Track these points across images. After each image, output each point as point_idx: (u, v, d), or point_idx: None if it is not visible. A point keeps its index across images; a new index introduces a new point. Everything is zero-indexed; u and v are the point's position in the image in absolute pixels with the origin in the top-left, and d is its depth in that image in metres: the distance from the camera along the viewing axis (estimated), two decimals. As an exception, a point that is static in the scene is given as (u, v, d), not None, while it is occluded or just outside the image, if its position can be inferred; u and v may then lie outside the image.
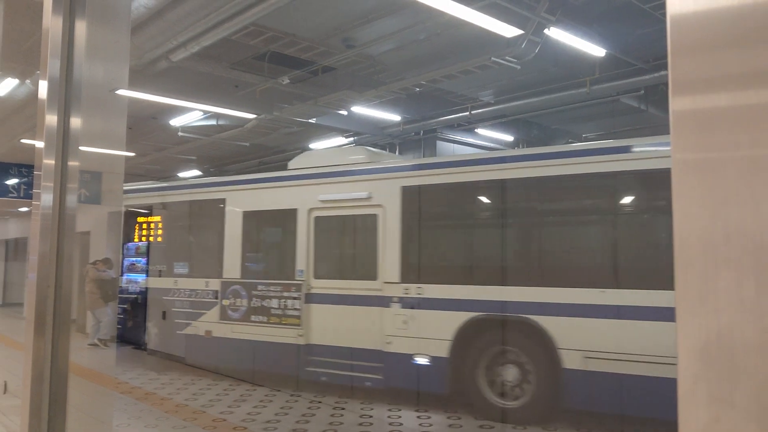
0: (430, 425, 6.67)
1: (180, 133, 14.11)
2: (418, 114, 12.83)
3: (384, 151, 10.64)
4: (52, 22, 1.38)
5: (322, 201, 8.42)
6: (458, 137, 14.47)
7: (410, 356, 7.26)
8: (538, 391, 6.53)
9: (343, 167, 8.56)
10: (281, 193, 8.99)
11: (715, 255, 0.58)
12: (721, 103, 0.58)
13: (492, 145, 15.14)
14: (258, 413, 7.03)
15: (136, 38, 7.46)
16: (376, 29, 8.56)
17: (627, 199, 6.64)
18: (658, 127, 13.51)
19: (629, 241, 6.50)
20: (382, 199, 7.81)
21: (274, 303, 8.59)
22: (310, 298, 8.30)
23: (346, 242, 8.69)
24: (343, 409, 7.30)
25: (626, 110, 11.76)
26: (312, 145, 15.96)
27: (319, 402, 7.62)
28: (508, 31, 7.06)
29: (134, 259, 13.35)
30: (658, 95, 11.43)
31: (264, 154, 17.72)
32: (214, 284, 9.33)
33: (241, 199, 9.42)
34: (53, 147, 1.36)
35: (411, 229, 7.65)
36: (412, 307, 7.33)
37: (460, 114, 12.14)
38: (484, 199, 7.67)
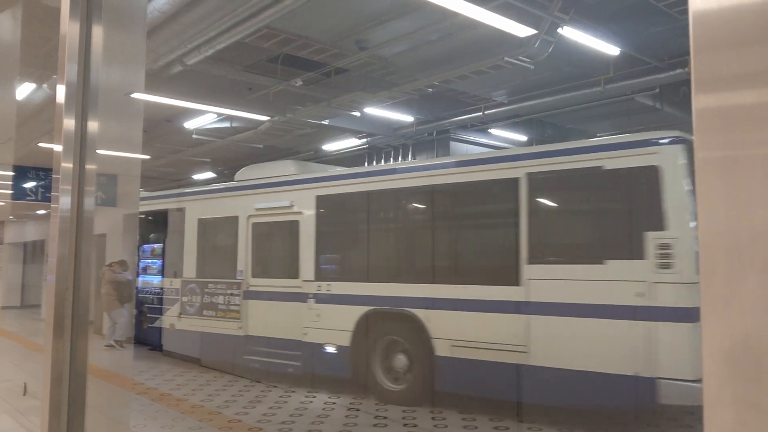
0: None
1: (194, 136, 14.20)
2: (431, 114, 12.81)
3: (315, 164, 11.86)
4: (69, 28, 1.39)
5: (257, 209, 9.65)
6: (471, 137, 14.43)
7: (322, 345, 8.31)
8: (418, 375, 7.44)
9: (273, 179, 9.80)
10: (227, 202, 10.30)
11: (741, 257, 0.57)
12: (745, 100, 0.57)
13: (506, 145, 15.08)
14: (273, 414, 7.05)
15: (150, 42, 7.52)
16: (389, 31, 8.56)
17: (481, 209, 7.69)
18: (674, 125, 13.39)
19: (483, 243, 7.61)
20: (302, 207, 8.97)
21: (221, 299, 9.86)
22: (248, 295, 9.47)
23: (276, 245, 9.80)
24: (357, 410, 7.30)
25: (641, 109, 11.67)
26: (325, 147, 16.00)
27: (334, 403, 7.63)
28: (521, 30, 7.03)
29: (149, 261, 13.46)
30: (673, 94, 11.33)
31: (277, 155, 17.79)
32: (177, 283, 10.86)
33: (197, 208, 10.95)
34: (71, 150, 1.38)
35: (322, 233, 8.72)
36: (323, 303, 8.41)
37: (474, 114, 12.11)
38: (377, 208, 8.63)
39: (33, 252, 23.77)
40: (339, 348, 8.11)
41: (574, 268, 6.36)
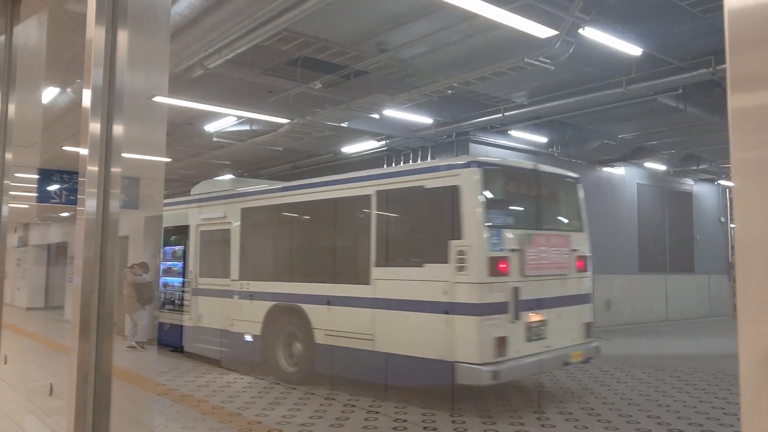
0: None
1: (215, 139, 14.33)
2: (451, 116, 12.78)
3: (251, 179, 13.63)
4: (95, 33, 1.41)
5: (202, 219, 11.36)
6: (491, 139, 14.37)
7: (242, 335, 9.87)
8: (306, 360, 8.86)
9: (215, 194, 11.41)
10: (184, 213, 11.90)
11: (778, 259, 0.55)
12: (783, 100, 0.56)
13: (526, 147, 15.00)
14: (293, 416, 7.07)
15: (172, 46, 7.60)
16: (409, 32, 8.56)
17: (348, 220, 8.99)
18: (697, 126, 13.21)
19: (349, 249, 8.91)
20: (231, 218, 10.58)
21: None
22: (196, 292, 11.24)
23: (216, 250, 11.17)
24: (377, 412, 7.29)
25: (664, 110, 11.53)
26: (344, 149, 16.03)
27: (353, 405, 7.63)
28: (542, 31, 6.98)
29: (171, 262, 13.58)
30: (696, 94, 11.18)
31: (297, 158, 17.87)
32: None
33: (166, 217, 12.81)
34: (97, 154, 1.39)
35: (244, 239, 10.30)
36: (243, 299, 10.00)
37: (493, 116, 12.07)
38: (277, 219, 10.12)
39: (56, 254, 24.12)
40: (254, 336, 9.69)
41: (404, 270, 7.67)
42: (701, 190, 21.23)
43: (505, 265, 7.16)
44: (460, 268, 7.01)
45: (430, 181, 7.58)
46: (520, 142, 14.76)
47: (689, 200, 20.81)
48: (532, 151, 15.28)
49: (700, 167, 17.87)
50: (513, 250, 7.31)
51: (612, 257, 17.26)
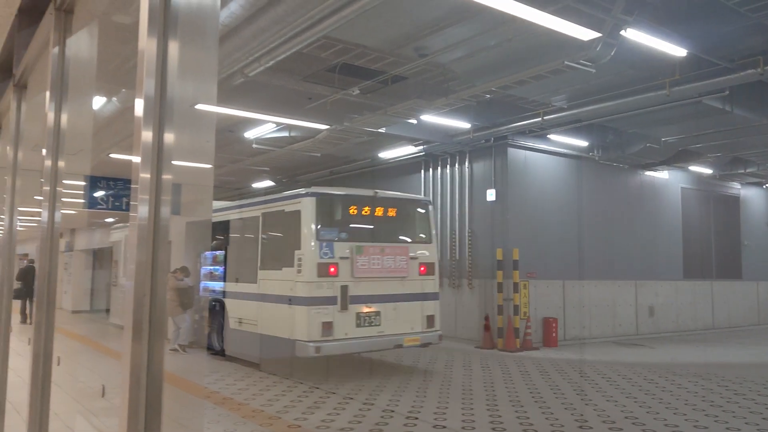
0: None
1: (254, 145, 14.54)
2: (489, 121, 12.70)
3: (223, 202, 15.98)
4: (147, 44, 1.45)
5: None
6: (530, 143, 14.22)
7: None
8: (225, 340, 11.63)
9: None
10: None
11: None
12: None
13: (565, 151, 14.80)
14: (332, 420, 7.10)
15: (214, 55, 7.75)
16: (447, 37, 8.54)
17: (248, 235, 11.43)
18: (744, 128, 12.82)
19: (248, 256, 11.13)
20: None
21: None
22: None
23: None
24: (416, 418, 7.27)
25: (709, 112, 11.22)
26: (381, 154, 16.07)
27: (392, 411, 7.62)
28: (583, 34, 6.89)
29: (211, 267, 13.82)
30: (744, 95, 10.87)
31: (334, 164, 18.00)
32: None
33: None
34: (149, 161, 1.43)
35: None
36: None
37: (532, 120, 11.94)
38: (215, 232, 12.70)
39: (101, 258, 24.77)
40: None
41: (273, 272, 10.30)
42: (749, 194, 20.59)
43: (334, 269, 9.53)
44: (299, 271, 9.52)
45: (288, 206, 10.23)
46: (559, 146, 14.57)
47: (736, 204, 20.20)
48: (572, 155, 15.07)
49: (747, 170, 17.33)
50: (343, 258, 9.62)
51: (655, 263, 16.86)
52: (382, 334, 9.81)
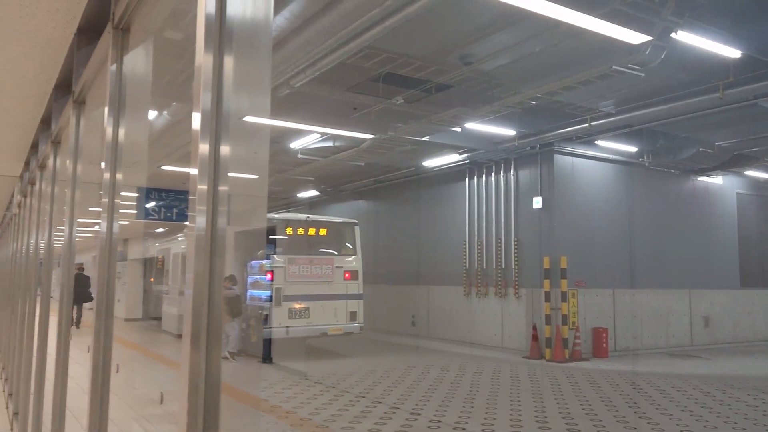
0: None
1: (299, 155, 14.73)
2: (534, 128, 12.56)
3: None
4: (204, 59, 1.49)
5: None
6: (577, 150, 13.99)
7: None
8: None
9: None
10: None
11: None
12: None
13: (614, 157, 14.49)
14: (378, 430, 7.09)
15: (261, 68, 7.90)
16: (491, 44, 8.50)
17: None
18: (804, 131, 12.30)
19: None
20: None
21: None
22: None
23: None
24: (464, 429, 7.20)
25: (766, 114, 10.82)
26: (425, 163, 16.06)
27: (439, 421, 7.57)
28: (633, 37, 6.75)
29: (257, 276, 14.03)
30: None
31: (378, 173, 18.08)
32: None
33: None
34: (206, 173, 1.46)
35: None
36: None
37: (579, 126, 11.75)
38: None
39: (151, 268, 25.43)
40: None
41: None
42: (809, 199, 19.72)
43: (270, 275, 12.36)
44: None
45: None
46: (607, 152, 14.29)
47: (796, 210, 19.38)
48: (621, 161, 14.75)
49: (807, 174, 16.62)
50: (278, 267, 12.35)
51: (710, 271, 16.30)
52: (310, 324, 12.63)
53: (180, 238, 18.40)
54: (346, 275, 13.34)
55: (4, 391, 8.61)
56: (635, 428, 7.33)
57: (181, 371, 1.45)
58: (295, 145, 14.06)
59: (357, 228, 14.09)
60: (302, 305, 12.56)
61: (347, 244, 13.99)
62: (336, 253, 13.70)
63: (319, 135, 13.17)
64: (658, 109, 10.38)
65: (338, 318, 13.03)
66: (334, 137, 13.60)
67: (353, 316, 13.31)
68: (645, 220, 15.08)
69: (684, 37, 7.35)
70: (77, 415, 4.16)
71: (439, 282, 16.83)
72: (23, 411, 5.84)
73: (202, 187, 1.45)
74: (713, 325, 16.11)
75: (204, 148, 1.47)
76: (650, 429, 7.28)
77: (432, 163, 16.01)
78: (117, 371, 2.72)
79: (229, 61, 1.50)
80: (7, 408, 7.54)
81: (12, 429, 6.50)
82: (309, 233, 13.23)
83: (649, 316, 14.87)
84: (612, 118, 11.15)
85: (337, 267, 13.27)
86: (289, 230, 13.11)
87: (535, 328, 13.41)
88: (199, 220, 1.45)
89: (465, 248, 15.94)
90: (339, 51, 7.76)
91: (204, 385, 1.42)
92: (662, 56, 7.87)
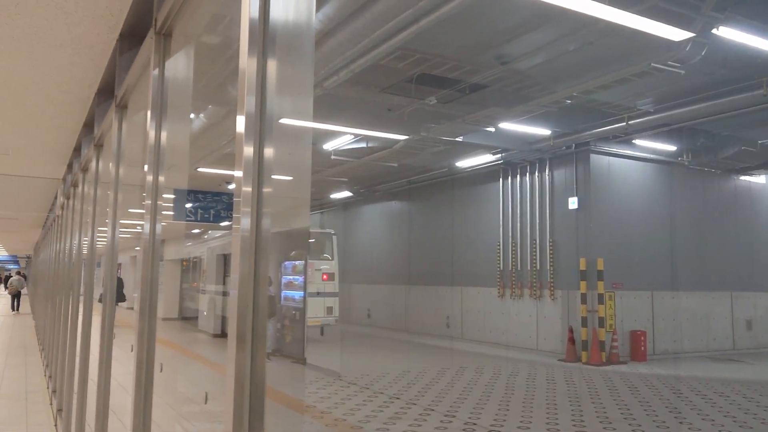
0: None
1: (333, 156, 14.80)
2: (570, 127, 12.39)
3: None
4: (248, 63, 1.51)
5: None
6: (614, 149, 13.75)
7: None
8: None
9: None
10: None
11: None
12: None
13: (652, 156, 14.21)
14: (414, 431, 7.08)
15: (295, 70, 7.97)
16: (525, 43, 8.42)
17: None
18: None
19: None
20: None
21: None
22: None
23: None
24: None
25: (812, 111, 10.47)
26: (458, 163, 15.98)
27: (474, 424, 7.52)
28: (673, 34, 6.60)
29: (291, 277, 14.15)
30: None
31: (412, 173, 18.06)
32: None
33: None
34: (250, 176, 1.48)
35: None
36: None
37: (616, 125, 11.55)
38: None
39: (188, 269, 25.86)
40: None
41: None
42: None
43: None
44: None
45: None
46: (646, 152, 14.01)
47: (844, 210, 18.70)
48: (660, 161, 14.45)
49: None
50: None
51: (753, 273, 15.86)
52: None
53: (214, 238, 19.29)
54: (324, 277, 15.69)
55: (48, 387, 8.86)
56: (676, 433, 7.18)
57: (227, 371, 1.47)
58: (329, 146, 14.14)
59: (334, 237, 16.55)
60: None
61: (326, 251, 16.33)
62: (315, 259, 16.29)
63: (353, 136, 13.22)
64: (698, 106, 10.14)
65: (316, 312, 15.22)
66: (367, 138, 13.63)
67: (329, 310, 15.70)
68: (685, 221, 14.75)
69: (725, 32, 7.17)
70: (119, 413, 4.25)
71: (473, 283, 16.73)
72: (67, 408, 6.00)
73: (247, 189, 1.47)
74: (756, 329, 15.66)
75: (248, 150, 1.49)
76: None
77: (465, 163, 15.94)
78: (161, 371, 2.77)
79: (272, 65, 1.52)
80: (51, 404, 7.76)
81: (56, 425, 6.68)
82: None
83: (689, 318, 14.53)
84: (650, 117, 10.93)
85: (316, 270, 15.56)
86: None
87: (571, 330, 13.22)
88: (243, 221, 1.47)
89: (499, 249, 15.82)
90: (372, 52, 7.78)
91: (249, 384, 1.44)
92: (703, 53, 7.69)
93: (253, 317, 1.47)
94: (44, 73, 4.34)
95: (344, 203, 23.01)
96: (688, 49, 7.55)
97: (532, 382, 10.50)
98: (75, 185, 7.25)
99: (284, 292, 14.27)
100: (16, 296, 28.04)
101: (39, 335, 14.93)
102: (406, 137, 12.46)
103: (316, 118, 10.90)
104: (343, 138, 13.45)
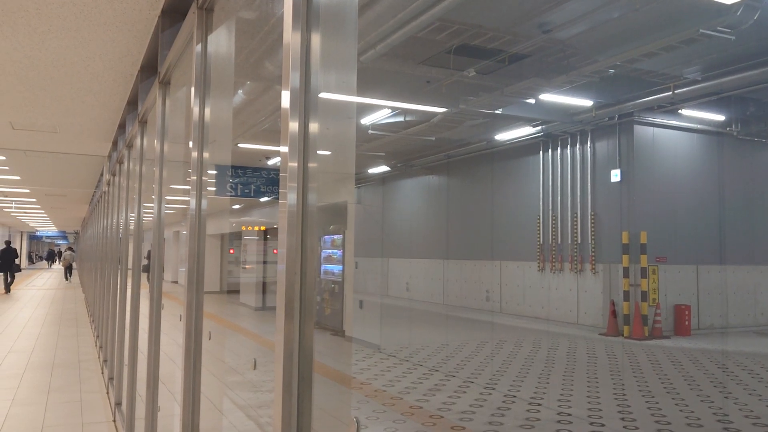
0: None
1: (370, 131, 14.78)
2: (613, 98, 12.08)
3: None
4: (292, 38, 1.51)
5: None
6: (658, 120, 13.38)
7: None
8: None
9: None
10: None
11: None
12: None
13: (699, 126, 13.77)
14: (453, 403, 7.15)
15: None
16: (567, 12, 8.20)
17: None
18: None
19: None
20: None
21: None
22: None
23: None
24: (539, 405, 7.15)
25: None
26: (498, 136, 15.78)
27: (514, 396, 7.54)
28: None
29: (330, 251, 14.29)
30: None
31: (450, 147, 17.92)
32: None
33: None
34: (296, 151, 1.49)
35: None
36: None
37: (662, 95, 11.21)
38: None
39: (230, 243, 26.39)
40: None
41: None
42: None
43: None
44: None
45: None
46: (692, 122, 13.59)
47: None
48: (707, 131, 14.00)
49: None
50: None
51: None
52: None
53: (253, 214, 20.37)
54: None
55: (99, 357, 9.22)
56: (721, 408, 7.07)
57: (276, 341, 1.51)
58: (366, 120, 14.11)
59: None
60: None
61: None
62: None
63: (390, 110, 13.16)
64: (749, 74, 9.76)
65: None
66: (404, 112, 13.55)
67: None
68: (733, 193, 14.31)
69: (781, -5, 6.85)
70: (166, 382, 4.41)
71: (512, 257, 16.63)
72: (117, 377, 6.25)
73: (293, 164, 1.49)
74: (807, 304, 15.21)
75: (294, 126, 1.50)
76: (737, 409, 6.99)
77: (504, 136, 15.72)
78: (210, 339, 2.85)
79: (316, 39, 1.52)
80: (102, 373, 8.08)
81: (108, 393, 6.97)
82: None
83: (735, 292, 14.19)
84: (698, 85, 10.57)
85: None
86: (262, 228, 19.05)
87: (613, 303, 13.07)
88: (290, 196, 1.49)
89: (539, 223, 15.65)
90: (410, 24, 7.69)
91: (298, 354, 1.48)
92: (755, 17, 7.37)
93: (300, 290, 1.50)
94: (89, 50, 4.43)
95: (382, 178, 23.02)
96: (739, 13, 7.25)
97: (572, 356, 10.44)
98: (120, 162, 7.43)
99: (323, 266, 14.43)
100: (68, 268, 33.10)
101: (89, 307, 15.50)
102: (444, 110, 12.34)
103: (354, 92, 10.87)
104: (381, 112, 13.40)
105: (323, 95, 1.56)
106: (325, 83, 1.55)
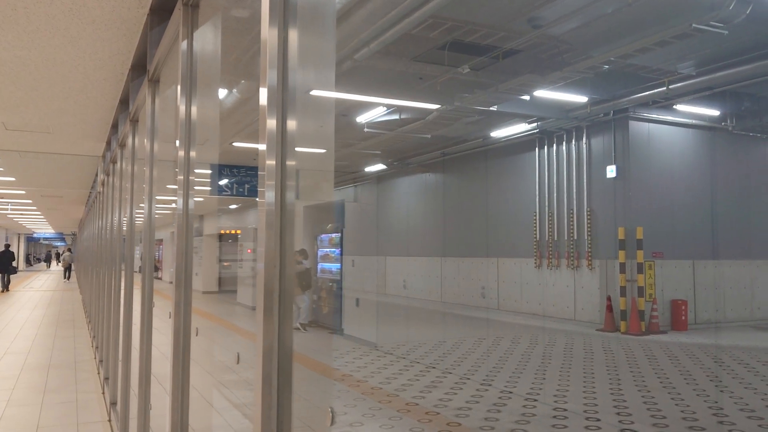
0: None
1: (365, 129, 14.77)
2: (607, 93, 12.08)
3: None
4: (269, 35, 1.50)
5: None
6: (653, 115, 13.38)
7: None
8: None
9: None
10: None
11: None
12: None
13: (694, 122, 13.78)
14: (449, 400, 7.15)
15: (326, 42, 7.93)
16: (561, 7, 8.19)
17: None
18: None
19: None
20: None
21: None
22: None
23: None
24: (535, 400, 7.15)
25: None
26: (493, 134, 15.78)
27: (510, 392, 7.55)
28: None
29: (327, 249, 14.29)
30: None
31: (445, 145, 17.91)
32: None
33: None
34: (273, 149, 1.48)
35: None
36: None
37: (656, 90, 11.21)
38: None
39: (226, 242, 26.36)
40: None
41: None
42: None
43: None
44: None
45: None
46: (687, 117, 13.59)
47: None
48: (702, 126, 14.01)
49: None
50: None
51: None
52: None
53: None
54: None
55: (95, 357, 9.21)
56: (716, 402, 7.08)
57: (256, 341, 1.51)
58: (361, 118, 14.10)
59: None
60: None
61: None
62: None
63: (385, 108, 13.14)
64: (743, 68, 9.76)
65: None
66: (400, 110, 13.53)
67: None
68: (728, 188, 14.32)
69: (773, -11, 6.85)
70: (161, 380, 4.40)
71: (509, 254, 16.64)
72: (113, 376, 6.24)
73: (271, 162, 1.48)
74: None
75: (271, 123, 1.49)
76: (733, 403, 7.01)
77: (500, 133, 15.72)
78: (197, 334, 2.85)
79: (293, 36, 1.51)
80: (98, 373, 8.07)
81: (104, 392, 6.96)
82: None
83: (732, 287, 14.21)
84: (692, 80, 10.57)
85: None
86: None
87: (609, 299, 13.08)
88: (268, 195, 1.48)
89: (535, 220, 15.66)
90: (403, 22, 7.68)
91: (277, 353, 1.47)
92: (748, 11, 7.37)
93: (279, 289, 1.49)
94: (79, 49, 4.41)
95: (378, 176, 23.01)
96: (731, 7, 7.24)
97: (569, 351, 10.45)
98: (114, 162, 7.41)
99: (320, 265, 14.43)
100: (67, 268, 34.80)
101: (86, 309, 15.49)
102: (439, 107, 12.33)
103: (348, 90, 10.87)
104: (376, 110, 13.39)
105: (304, 92, 1.55)
106: (303, 80, 1.54)
